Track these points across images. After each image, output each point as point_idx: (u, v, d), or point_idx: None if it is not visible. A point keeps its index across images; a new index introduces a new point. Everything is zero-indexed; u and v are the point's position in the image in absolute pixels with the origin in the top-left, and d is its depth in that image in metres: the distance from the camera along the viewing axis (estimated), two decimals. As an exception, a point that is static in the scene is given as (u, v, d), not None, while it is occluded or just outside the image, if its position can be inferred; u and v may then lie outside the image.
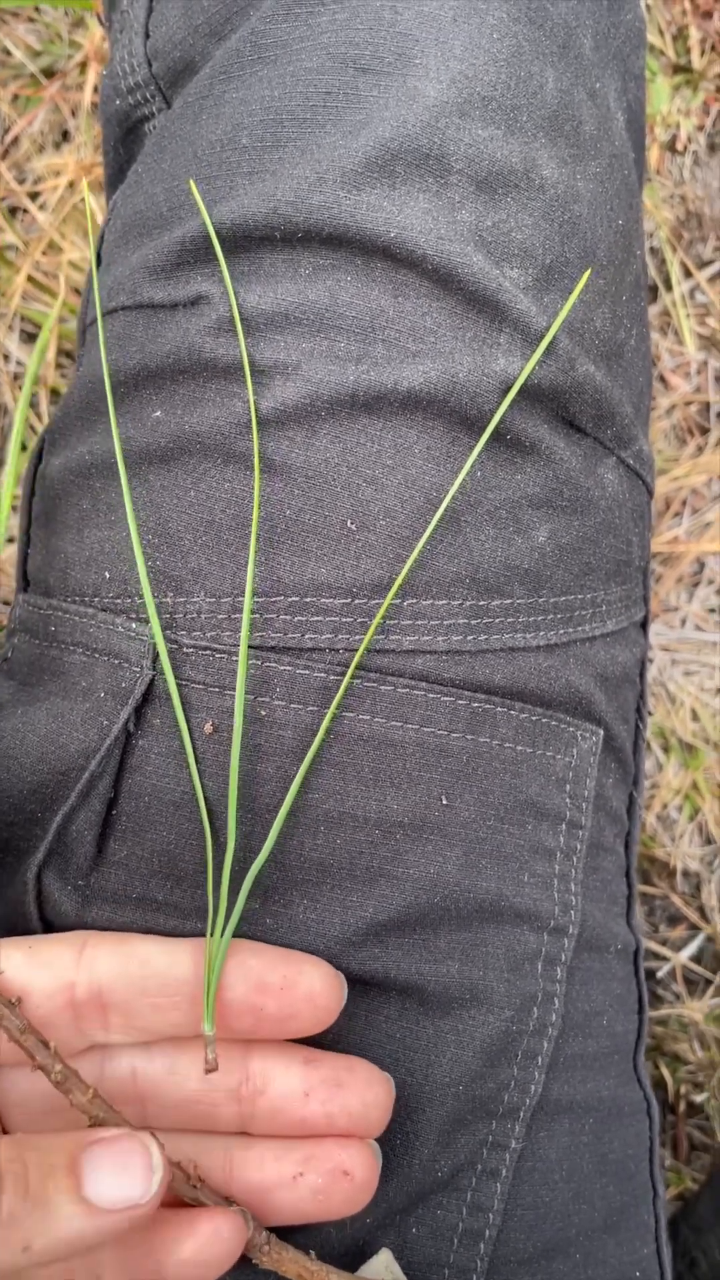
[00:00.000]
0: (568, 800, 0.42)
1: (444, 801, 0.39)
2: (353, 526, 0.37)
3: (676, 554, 0.92)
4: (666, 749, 0.90)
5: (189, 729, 0.38)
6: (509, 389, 0.38)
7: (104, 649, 0.39)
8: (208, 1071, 0.35)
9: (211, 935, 0.36)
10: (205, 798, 0.38)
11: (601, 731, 0.43)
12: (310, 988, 0.35)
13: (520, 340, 0.38)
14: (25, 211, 0.87)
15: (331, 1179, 0.35)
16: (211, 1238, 0.33)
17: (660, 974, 0.87)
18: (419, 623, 0.38)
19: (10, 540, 0.83)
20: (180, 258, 0.38)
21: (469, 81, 0.37)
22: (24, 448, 0.84)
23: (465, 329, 0.37)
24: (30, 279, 0.84)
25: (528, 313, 0.37)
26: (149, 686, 0.38)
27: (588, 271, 0.39)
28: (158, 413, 0.39)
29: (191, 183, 0.38)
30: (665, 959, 0.87)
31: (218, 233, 0.37)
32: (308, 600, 0.37)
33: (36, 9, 0.86)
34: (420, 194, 0.36)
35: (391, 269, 0.37)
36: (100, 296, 0.41)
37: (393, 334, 0.37)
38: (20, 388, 0.84)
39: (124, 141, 0.47)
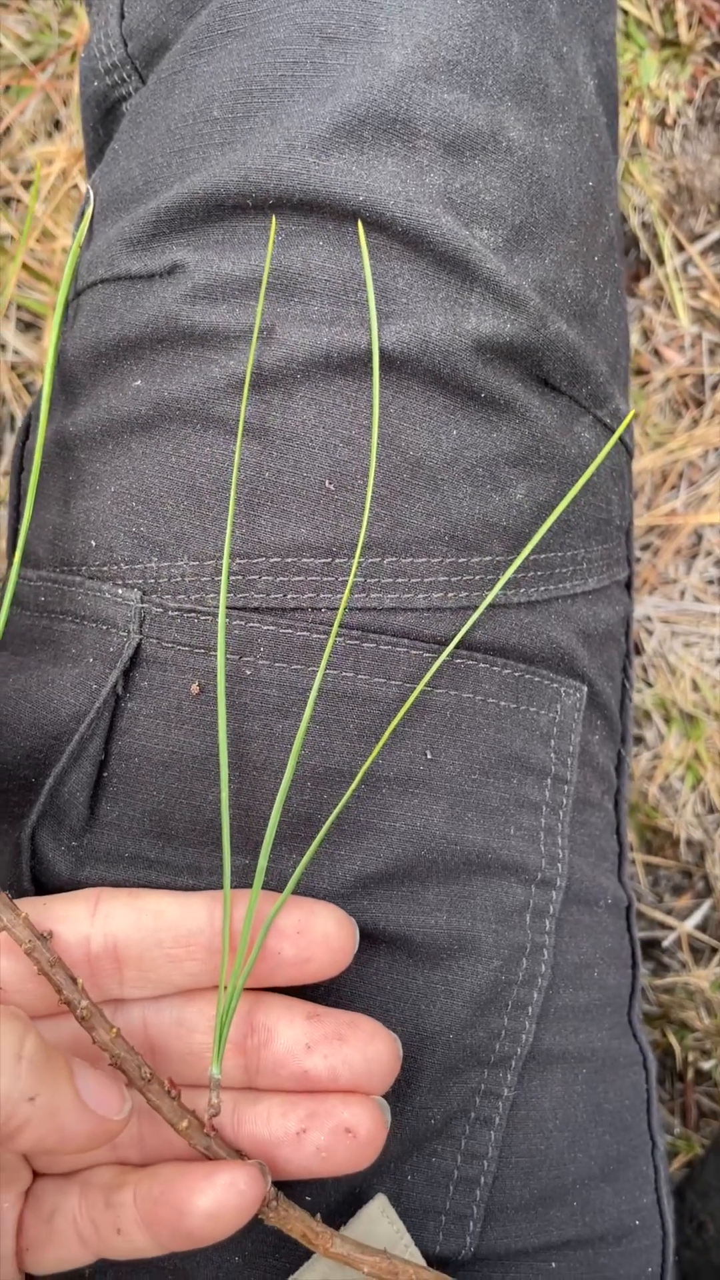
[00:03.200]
0: (552, 755, 0.42)
1: (428, 756, 0.40)
2: (331, 487, 0.38)
3: (674, 526, 0.92)
4: (668, 720, 0.90)
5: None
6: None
7: (92, 616, 0.40)
8: (211, 1117, 0.35)
9: (241, 901, 0.36)
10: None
11: (585, 688, 0.44)
12: (325, 930, 0.36)
13: (491, 299, 0.38)
14: (19, 201, 0.88)
15: (334, 1137, 0.35)
16: (229, 1189, 0.33)
17: (666, 943, 0.87)
18: (399, 580, 0.39)
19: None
20: (156, 228, 0.39)
21: (434, 46, 0.37)
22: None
23: (436, 289, 0.38)
24: (25, 267, 0.85)
25: (498, 272, 0.38)
26: (136, 650, 0.39)
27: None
28: (138, 381, 0.39)
29: None
30: (671, 928, 0.87)
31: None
32: (289, 561, 0.38)
33: None
34: (388, 158, 0.37)
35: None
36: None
37: (365, 296, 0.37)
38: (18, 375, 0.85)
39: (103, 122, 0.48)
